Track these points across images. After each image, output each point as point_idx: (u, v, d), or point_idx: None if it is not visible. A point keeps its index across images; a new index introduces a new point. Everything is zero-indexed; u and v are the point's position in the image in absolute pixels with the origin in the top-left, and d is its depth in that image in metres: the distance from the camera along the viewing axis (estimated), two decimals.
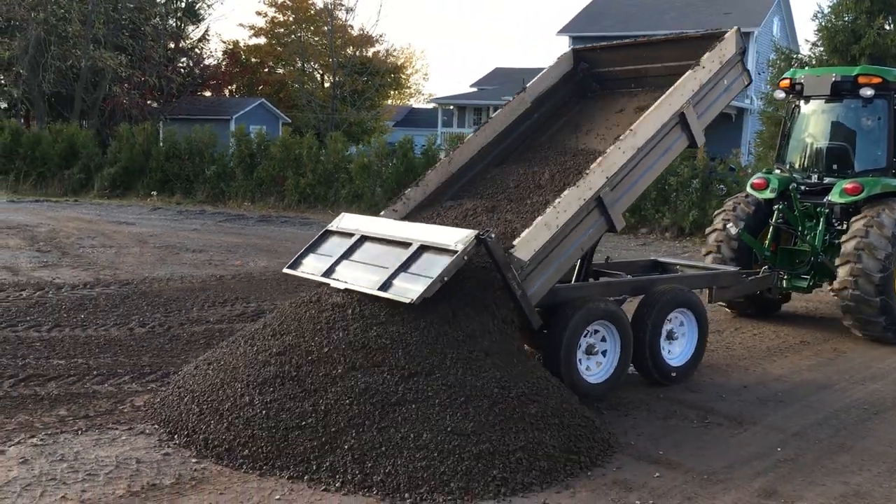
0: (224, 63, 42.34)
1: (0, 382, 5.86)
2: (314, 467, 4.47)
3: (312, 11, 41.79)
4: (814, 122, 9.31)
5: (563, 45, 33.86)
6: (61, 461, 4.52)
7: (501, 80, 39.08)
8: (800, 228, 8.90)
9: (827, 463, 5.05)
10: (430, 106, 48.68)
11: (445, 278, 5.16)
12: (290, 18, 43.12)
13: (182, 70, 38.16)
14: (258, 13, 57.78)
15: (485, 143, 7.31)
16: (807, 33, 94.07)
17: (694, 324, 6.73)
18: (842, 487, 4.67)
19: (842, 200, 8.52)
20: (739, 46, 6.97)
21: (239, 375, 5.18)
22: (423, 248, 5.51)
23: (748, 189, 9.31)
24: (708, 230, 9.53)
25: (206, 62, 40.72)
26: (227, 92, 43.05)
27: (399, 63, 49.01)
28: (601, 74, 7.83)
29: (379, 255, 5.81)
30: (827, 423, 5.82)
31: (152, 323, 7.89)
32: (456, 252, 5.22)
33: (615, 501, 4.34)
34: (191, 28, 39.02)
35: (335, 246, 6.30)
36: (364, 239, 6.10)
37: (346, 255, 6.05)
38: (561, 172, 6.70)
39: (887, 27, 19.43)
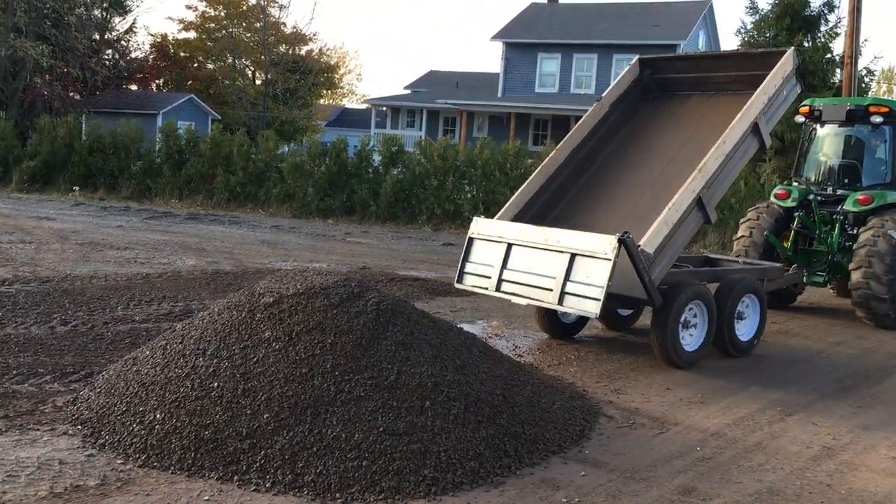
0: (151, 56, 41.33)
1: None
2: (244, 468, 4.44)
3: (245, 7, 41.16)
4: (828, 143, 11.10)
5: (497, 51, 34.23)
6: None
7: (435, 84, 39.18)
8: (817, 232, 10.54)
9: (743, 462, 5.25)
10: (364, 106, 48.51)
11: (610, 284, 6.37)
12: (222, 13, 42.36)
13: (107, 62, 37.10)
14: (188, 7, 56.59)
15: (575, 145, 8.64)
16: (730, 47, 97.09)
17: (758, 306, 8.18)
18: (756, 485, 4.87)
19: (855, 209, 10.24)
20: (796, 63, 8.34)
21: (166, 376, 5.11)
22: (576, 256, 6.71)
23: (772, 198, 11.03)
24: (735, 237, 11.15)
25: (133, 55, 39.67)
26: (154, 86, 42.01)
27: (332, 63, 48.70)
28: (663, 80, 9.17)
29: (535, 265, 7.02)
30: (743, 423, 6.05)
31: (75, 321, 7.69)
32: (610, 259, 6.47)
33: (542, 500, 4.43)
34: (117, 19, 37.99)
35: (488, 255, 7.48)
36: (512, 246, 7.27)
37: (504, 264, 7.24)
38: (655, 173, 8.19)
39: (806, 44, 20.24)
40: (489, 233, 7.60)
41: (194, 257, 12.37)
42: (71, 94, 34.35)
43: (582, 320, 8.62)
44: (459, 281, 7.75)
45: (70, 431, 4.94)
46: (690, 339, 7.57)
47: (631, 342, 8.62)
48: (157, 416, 4.83)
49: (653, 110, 9.19)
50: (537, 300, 7.06)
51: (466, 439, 4.78)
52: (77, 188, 22.50)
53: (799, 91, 8.54)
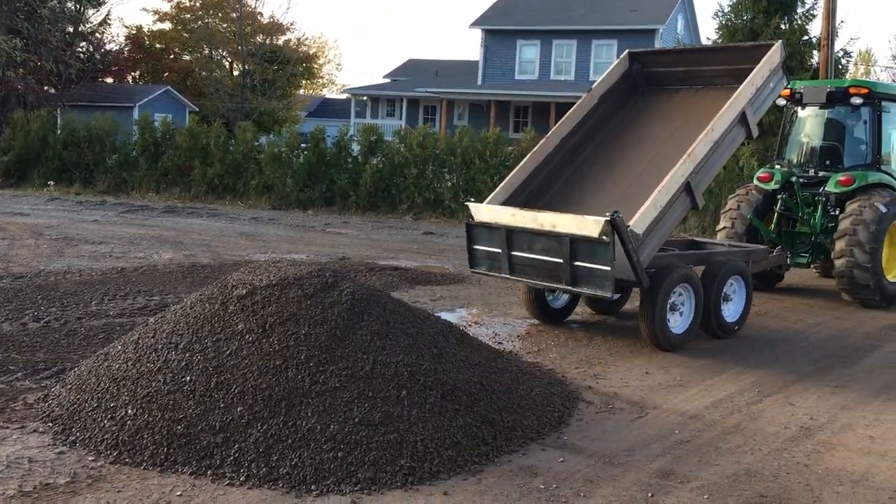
0: (127, 48, 40.84)
1: None
2: (218, 462, 4.39)
3: None
4: (810, 126, 11.17)
5: (476, 38, 34.09)
6: None
7: (414, 72, 39.00)
8: (800, 214, 10.66)
9: (721, 444, 5.25)
10: (344, 96, 48.27)
11: (615, 261, 6.75)
12: (197, 4, 41.96)
13: (81, 55, 36.60)
14: None
15: (565, 134, 8.76)
16: (708, 31, 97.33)
17: (743, 288, 8.30)
18: (734, 467, 4.86)
19: (837, 190, 10.33)
20: (783, 56, 8.48)
21: (138, 370, 5.03)
22: (574, 240, 6.95)
23: (755, 181, 11.03)
24: (722, 210, 11.21)
25: (108, 47, 39.16)
26: (130, 78, 41.56)
27: (311, 52, 48.38)
28: (651, 74, 9.29)
29: (539, 249, 7.29)
30: (721, 405, 6.05)
31: (48, 317, 7.58)
32: (606, 242, 6.72)
33: (520, 486, 4.41)
34: (91, 11, 37.39)
35: (490, 240, 7.71)
36: (510, 232, 7.46)
37: (510, 248, 7.49)
38: (643, 164, 8.29)
39: (783, 26, 20.28)
40: (485, 218, 7.79)
41: (171, 251, 12.25)
42: (45, 87, 33.88)
43: (571, 304, 8.67)
44: (472, 266, 8.04)
45: (41, 429, 4.85)
46: (678, 322, 7.66)
47: (613, 326, 8.62)
48: (129, 411, 4.76)
49: (641, 103, 9.29)
50: (551, 283, 7.37)
51: (443, 428, 4.74)
52: (52, 183, 22.24)
53: (785, 84, 8.78)
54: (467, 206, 8.04)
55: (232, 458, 4.40)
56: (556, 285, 7.38)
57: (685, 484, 4.57)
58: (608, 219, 6.70)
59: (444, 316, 8.27)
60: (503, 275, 7.73)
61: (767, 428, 5.60)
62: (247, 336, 5.02)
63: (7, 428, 4.86)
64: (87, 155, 22.51)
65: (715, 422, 5.68)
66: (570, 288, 7.22)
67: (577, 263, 7.04)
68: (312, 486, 4.22)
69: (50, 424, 4.92)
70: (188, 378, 4.84)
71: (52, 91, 34.14)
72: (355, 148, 20.59)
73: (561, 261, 7.14)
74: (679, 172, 7.43)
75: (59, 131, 23.34)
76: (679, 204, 7.62)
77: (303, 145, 20.50)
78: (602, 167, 8.71)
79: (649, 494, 4.40)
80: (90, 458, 4.46)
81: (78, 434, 4.74)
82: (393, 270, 11.13)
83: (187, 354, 5.01)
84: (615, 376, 6.68)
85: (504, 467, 4.65)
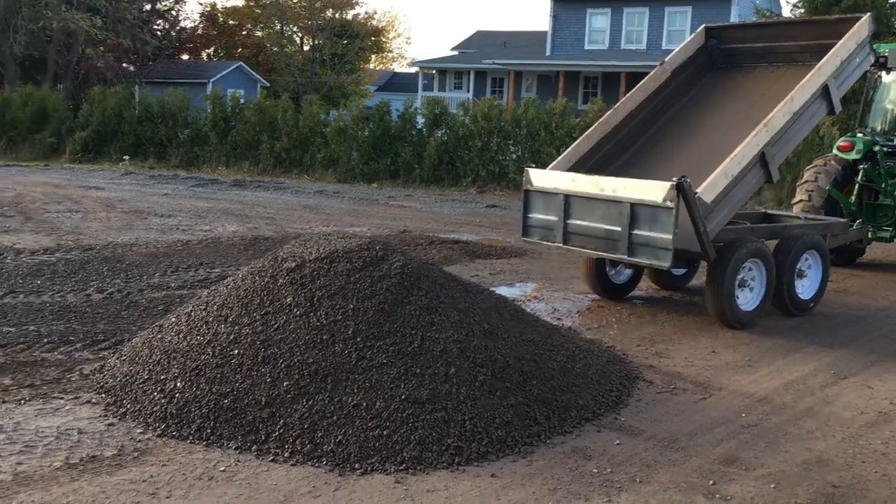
0: (201, 25, 41.51)
1: None
2: (263, 437, 4.32)
3: None
4: (895, 91, 10.60)
5: (545, 8, 33.41)
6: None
7: (482, 44, 38.50)
8: (883, 185, 10.10)
9: (791, 429, 4.95)
10: (413, 70, 48.07)
11: (677, 231, 6.41)
12: None
13: (158, 32, 37.37)
14: None
15: (634, 106, 8.50)
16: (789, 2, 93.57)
17: (820, 263, 7.89)
18: (805, 454, 4.57)
19: None
20: (872, 29, 8.11)
21: (188, 343, 5.01)
22: (636, 205, 6.66)
23: (835, 150, 10.49)
24: (799, 182, 10.71)
25: (183, 24, 39.91)
26: (204, 55, 42.27)
27: (380, 26, 48.27)
28: (728, 50, 8.99)
29: (598, 216, 7.01)
30: (793, 387, 5.73)
31: (111, 289, 7.68)
32: (670, 208, 6.41)
33: (572, 470, 4.22)
34: None
35: (548, 207, 7.48)
36: (569, 197, 7.22)
37: (567, 216, 7.25)
38: (715, 139, 7.95)
39: None
40: (543, 184, 7.57)
41: (236, 223, 12.35)
42: (124, 65, 34.71)
43: (634, 279, 8.39)
44: (525, 235, 7.82)
45: (93, 400, 4.88)
46: (747, 299, 7.34)
47: (679, 302, 8.30)
48: (178, 384, 4.74)
49: (716, 79, 8.95)
50: (606, 253, 7.10)
51: (493, 407, 4.58)
52: (127, 157, 22.76)
53: (872, 61, 8.40)
54: (526, 171, 7.80)
55: (277, 433, 4.32)
56: (612, 255, 7.10)
57: (750, 471, 4.31)
58: (675, 183, 6.41)
59: (503, 291, 8.10)
60: (556, 244, 7.46)
61: (843, 413, 5.27)
62: (295, 310, 4.94)
63: (62, 398, 4.90)
64: (160, 130, 22.94)
65: (785, 405, 5.37)
66: (626, 258, 6.92)
67: (636, 232, 6.75)
68: (356, 465, 4.12)
69: (103, 396, 4.94)
70: (236, 352, 4.79)
71: (131, 68, 34.97)
72: (420, 121, 20.44)
73: (619, 229, 6.86)
74: (754, 142, 7.10)
75: (134, 107, 23.82)
76: (752, 176, 7.28)
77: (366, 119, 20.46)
78: (672, 141, 8.39)
79: (711, 482, 4.15)
80: (138, 431, 4.45)
81: (129, 406, 4.75)
82: (453, 244, 10.98)
83: (236, 328, 4.96)
84: (679, 355, 6.40)
85: (556, 449, 4.47)
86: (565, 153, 8.26)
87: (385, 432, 4.29)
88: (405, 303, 4.98)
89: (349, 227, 12.48)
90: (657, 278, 8.81)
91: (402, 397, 4.45)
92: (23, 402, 4.80)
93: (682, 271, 8.74)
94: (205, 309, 5.30)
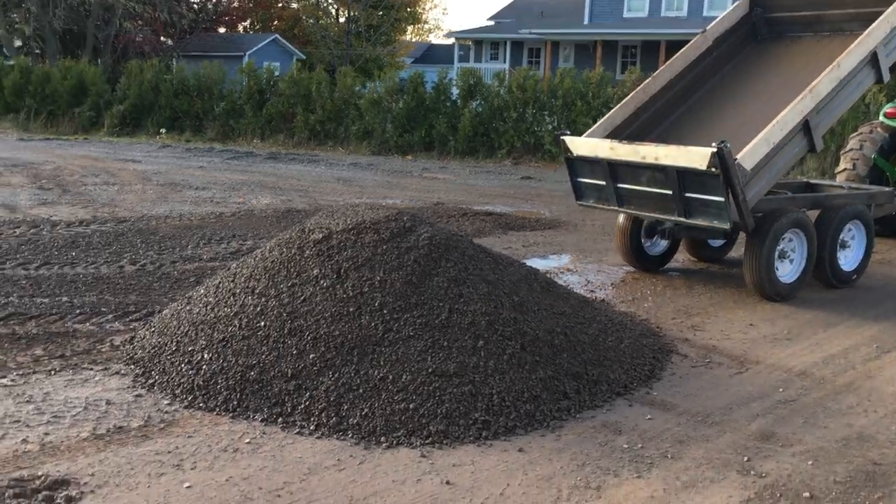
0: None
1: None
2: (289, 409, 4.29)
3: None
4: None
5: None
6: (28, 402, 4.36)
7: (519, 13, 37.96)
8: None
9: (830, 404, 4.80)
10: (449, 42, 47.66)
11: (730, 194, 6.34)
12: None
13: (194, 6, 37.50)
14: None
15: (674, 75, 8.31)
16: None
17: (863, 234, 7.70)
18: (844, 430, 4.43)
19: None
20: None
21: (216, 315, 4.99)
22: (681, 172, 6.55)
23: (881, 118, 10.13)
24: (843, 150, 10.40)
25: None
26: (240, 28, 42.34)
27: None
28: (773, 19, 8.76)
29: (646, 181, 6.94)
30: (834, 361, 5.56)
31: (144, 261, 7.72)
32: (715, 173, 6.29)
33: (602, 445, 4.12)
34: None
35: (593, 173, 7.42)
36: (612, 165, 7.14)
37: (615, 181, 7.20)
38: (757, 107, 7.67)
39: None
40: (583, 152, 7.46)
41: (269, 196, 12.36)
42: (162, 38, 34.90)
43: (670, 251, 8.22)
44: (579, 199, 7.76)
45: (123, 371, 4.89)
46: (787, 270, 7.16)
47: (715, 274, 8.11)
48: (205, 355, 4.72)
49: (760, 49, 8.69)
50: (663, 215, 7.05)
51: (522, 380, 4.49)
52: (164, 130, 22.92)
53: None
54: (563, 140, 7.66)
55: (303, 406, 4.29)
56: (668, 217, 7.03)
57: (787, 448, 4.18)
58: (715, 150, 6.24)
59: (535, 263, 7.99)
60: (612, 206, 7.41)
61: (885, 388, 5.09)
62: (321, 281, 4.89)
63: (91, 369, 4.92)
64: (196, 103, 23.04)
65: (825, 379, 5.21)
66: (683, 220, 6.84)
67: (688, 195, 6.65)
68: (382, 438, 4.07)
69: (132, 367, 4.96)
70: (262, 323, 4.76)
71: (169, 42, 35.17)
72: (454, 92, 20.24)
73: (671, 192, 6.75)
74: (798, 108, 6.87)
75: (170, 80, 23.91)
76: (795, 144, 7.05)
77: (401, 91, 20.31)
78: (712, 111, 8.16)
79: (745, 458, 4.04)
80: (165, 402, 4.45)
81: (157, 377, 4.75)
82: (486, 216, 10.86)
83: (263, 299, 4.93)
84: (715, 328, 6.24)
85: (586, 423, 4.38)
86: (601, 121, 8.09)
87: (411, 406, 4.23)
88: (433, 274, 4.90)
89: (382, 199, 12.42)
90: (694, 250, 8.63)
91: (429, 370, 4.39)
92: (53, 372, 4.83)
93: (719, 242, 8.53)
94: (232, 280, 5.28)
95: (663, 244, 8.15)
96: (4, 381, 4.67)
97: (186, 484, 3.56)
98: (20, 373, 4.80)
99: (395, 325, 4.61)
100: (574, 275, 7.85)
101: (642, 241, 8.01)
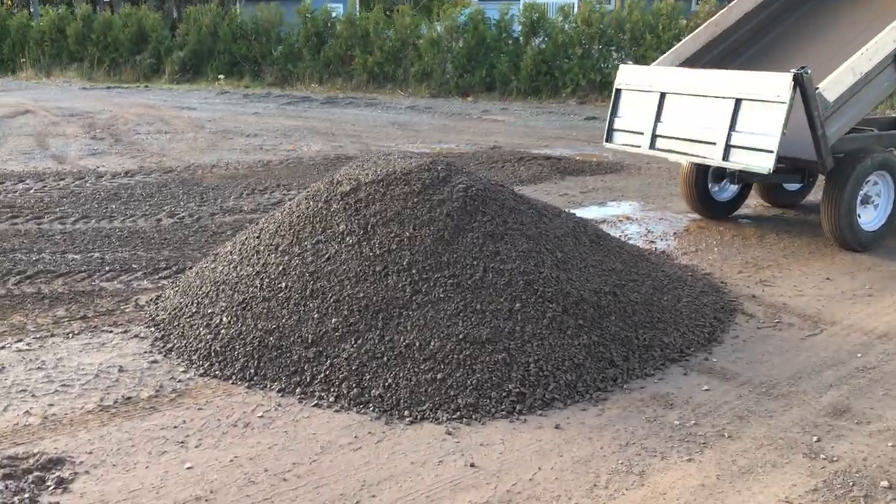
0: None
1: (6, 279, 5.56)
2: (308, 379, 3.97)
3: None
4: None
5: None
6: (39, 369, 4.15)
7: None
8: None
9: None
10: None
11: (785, 132, 5.61)
12: None
13: None
14: None
15: (749, 9, 7.70)
16: None
17: None
18: None
19: None
20: None
21: (238, 274, 4.69)
22: (742, 101, 5.90)
23: None
24: None
25: None
26: None
27: None
28: None
29: (694, 116, 6.27)
30: None
31: (182, 213, 7.49)
32: (784, 103, 5.59)
33: (650, 421, 3.69)
34: None
35: (638, 107, 6.81)
36: (665, 96, 6.54)
37: (658, 117, 6.57)
38: (843, 43, 6.96)
39: None
40: (638, 82, 6.91)
41: (321, 142, 12.03)
42: None
43: (740, 197, 7.60)
44: (608, 140, 7.21)
45: (142, 334, 4.65)
46: (871, 217, 6.57)
47: (790, 221, 7.47)
48: (224, 319, 4.43)
49: None
50: (698, 156, 6.40)
51: (563, 347, 4.07)
52: (222, 76, 22.75)
53: None
54: (620, 69, 7.12)
55: (322, 375, 3.97)
56: (704, 158, 6.34)
57: (863, 426, 3.68)
58: (795, 73, 5.60)
59: (592, 211, 7.50)
60: (641, 149, 6.81)
61: None
62: (347, 238, 4.52)
63: (111, 332, 4.69)
64: (254, 48, 22.76)
65: None
66: (721, 161, 6.15)
67: (736, 132, 5.97)
68: (405, 413, 3.72)
69: (152, 329, 4.71)
70: (284, 284, 4.43)
71: None
72: (517, 29, 19.43)
73: (717, 129, 6.11)
74: (890, 37, 6.18)
75: (228, 25, 23.65)
76: (885, 77, 6.34)
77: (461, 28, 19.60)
78: (792, 47, 7.40)
79: (814, 438, 3.55)
80: (180, 370, 4.18)
81: (175, 342, 4.49)
82: (544, 160, 10.32)
83: (286, 258, 4.59)
84: (787, 283, 5.68)
85: (634, 395, 3.94)
86: (667, 54, 7.48)
87: (439, 376, 3.86)
88: (467, 230, 4.48)
89: (437, 143, 11.96)
90: (767, 195, 7.97)
91: (460, 336, 4.00)
92: (71, 335, 4.62)
93: (795, 186, 7.85)
94: (258, 237, 4.96)
95: (732, 189, 7.52)
96: (20, 344, 4.47)
97: (188, 465, 3.28)
98: (37, 336, 4.60)
99: (423, 287, 4.22)
100: (633, 224, 7.31)
101: (709, 185, 7.40)
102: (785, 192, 7.94)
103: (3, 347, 4.43)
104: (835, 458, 3.40)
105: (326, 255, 4.48)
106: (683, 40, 7.62)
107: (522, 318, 4.12)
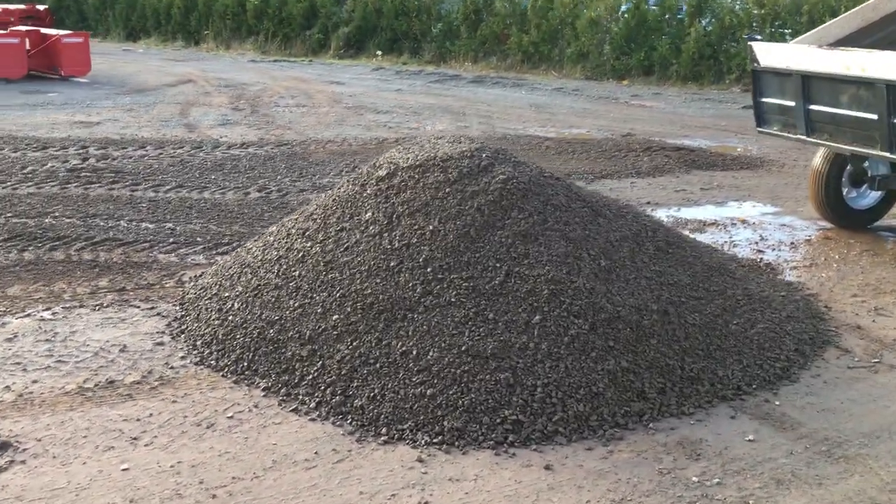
0: None
1: (72, 244, 5.63)
2: (296, 379, 3.65)
3: None
4: None
5: None
6: (47, 342, 4.09)
7: None
8: None
9: None
10: None
11: None
12: None
13: None
14: None
15: None
16: None
17: None
18: None
19: None
20: None
21: (263, 257, 4.44)
22: (890, 86, 5.12)
23: None
24: None
25: None
26: None
27: None
28: None
29: (845, 101, 5.62)
30: None
31: (273, 188, 7.40)
32: None
33: (663, 473, 3.07)
34: None
35: (782, 91, 6.17)
36: (807, 79, 5.86)
37: (807, 101, 5.89)
38: None
39: None
40: (773, 62, 6.11)
41: (448, 121, 11.70)
42: None
43: (884, 204, 6.54)
44: (759, 125, 6.53)
45: (165, 312, 4.52)
46: None
47: None
48: (235, 304, 4.20)
49: None
50: (858, 147, 5.61)
51: (581, 371, 3.50)
52: (380, 53, 22.91)
53: None
54: (750, 47, 6.32)
55: (311, 376, 3.63)
56: (864, 150, 5.54)
57: None
58: None
59: (703, 210, 6.76)
60: (798, 135, 6.02)
61: None
62: (370, 227, 4.15)
63: (138, 307, 4.60)
64: (415, 24, 22.75)
65: None
66: (886, 154, 5.33)
67: (893, 119, 5.11)
68: (382, 430, 3.31)
69: (178, 308, 4.57)
70: (298, 272, 4.13)
71: None
72: (682, 9, 18.17)
73: (875, 117, 5.26)
74: None
75: (391, 1, 23.76)
76: None
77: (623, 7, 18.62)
78: None
79: None
80: (179, 356, 3.99)
81: (190, 323, 4.31)
82: (674, 151, 9.44)
83: (308, 244, 4.28)
84: None
85: (657, 437, 3.31)
86: (810, 32, 6.61)
87: (429, 391, 3.41)
88: (497, 227, 3.97)
89: (567, 128, 11.31)
90: None
91: (462, 348, 3.53)
92: (98, 308, 4.56)
93: None
94: (295, 219, 4.69)
95: (874, 196, 6.47)
96: (46, 313, 4.46)
97: (125, 465, 3.04)
98: (67, 305, 4.58)
99: (435, 288, 3.77)
100: (747, 229, 6.45)
101: (843, 189, 6.39)
102: None
103: (28, 315, 4.43)
104: None
105: (346, 245, 4.13)
106: (828, 22, 6.62)
107: (539, 334, 3.58)
